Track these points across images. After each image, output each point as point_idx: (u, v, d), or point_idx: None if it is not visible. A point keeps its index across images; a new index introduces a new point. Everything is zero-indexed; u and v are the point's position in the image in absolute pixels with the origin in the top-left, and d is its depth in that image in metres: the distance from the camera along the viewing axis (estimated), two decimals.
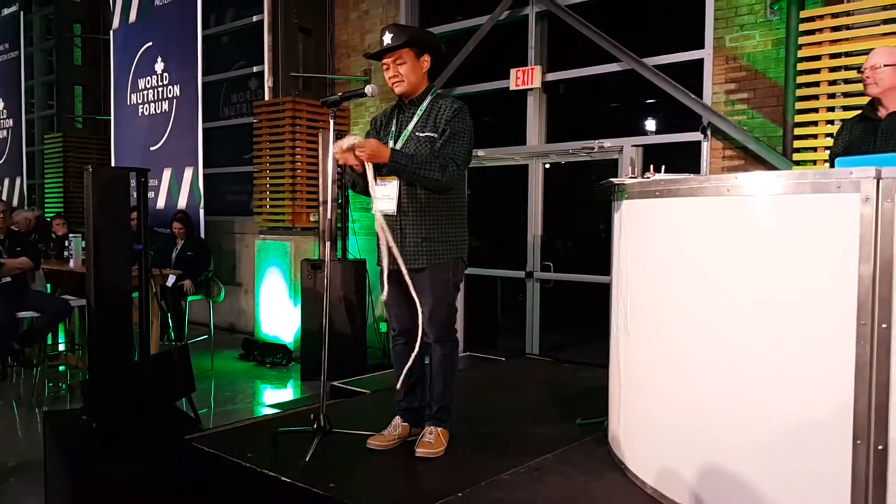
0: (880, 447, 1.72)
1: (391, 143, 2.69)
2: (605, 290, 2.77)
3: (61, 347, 6.03)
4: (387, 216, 2.62)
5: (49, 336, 5.58)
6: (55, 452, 3.11)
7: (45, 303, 5.30)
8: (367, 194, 2.68)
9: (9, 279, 5.10)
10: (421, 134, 2.61)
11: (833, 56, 4.02)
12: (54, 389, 5.32)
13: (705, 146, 4.67)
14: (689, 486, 2.09)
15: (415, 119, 2.65)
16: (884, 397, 1.71)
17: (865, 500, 1.74)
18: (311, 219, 6.69)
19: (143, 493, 2.81)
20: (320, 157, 6.23)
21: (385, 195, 2.62)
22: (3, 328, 5.00)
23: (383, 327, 6.17)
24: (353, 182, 2.75)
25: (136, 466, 2.84)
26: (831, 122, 4.06)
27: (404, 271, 2.53)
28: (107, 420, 3.19)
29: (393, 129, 2.72)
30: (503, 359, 4.95)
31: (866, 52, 3.89)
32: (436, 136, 2.59)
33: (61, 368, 5.71)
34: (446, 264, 2.64)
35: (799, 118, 4.15)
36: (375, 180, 2.58)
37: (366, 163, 2.54)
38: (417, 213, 2.60)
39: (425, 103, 2.66)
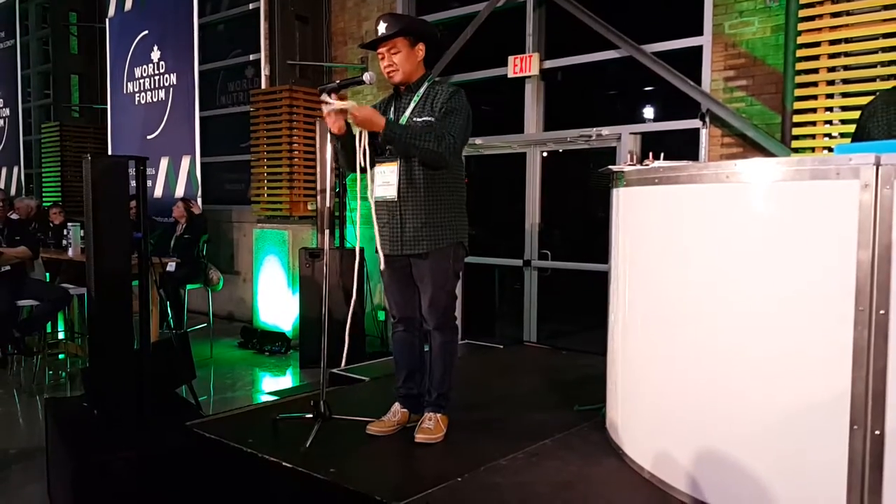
0: (877, 432, 1.73)
1: None
2: (603, 278, 2.78)
3: (61, 336, 6.04)
4: (386, 202, 2.62)
5: (48, 324, 5.59)
6: (57, 439, 3.13)
7: (45, 291, 5.30)
8: (352, 168, 2.62)
9: (8, 268, 5.10)
10: (418, 119, 2.60)
11: (833, 42, 4.01)
12: (54, 377, 5.34)
13: (704, 133, 4.67)
14: (686, 470, 2.11)
15: (412, 105, 2.64)
16: (881, 383, 1.72)
17: (862, 486, 1.75)
18: (309, 207, 6.69)
19: (144, 478, 2.82)
20: (318, 145, 6.22)
21: (384, 181, 2.62)
22: (2, 317, 5.01)
23: (381, 315, 6.18)
24: (335, 152, 2.68)
25: (137, 453, 2.85)
26: (830, 108, 4.05)
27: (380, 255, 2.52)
28: (108, 407, 3.20)
29: (390, 116, 2.71)
30: (501, 346, 4.96)
31: (866, 39, 3.90)
32: (433, 119, 2.58)
33: (61, 356, 5.73)
34: (447, 250, 2.63)
35: (798, 105, 4.15)
36: (368, 159, 2.55)
37: (358, 143, 2.51)
38: (417, 198, 2.59)
39: (422, 90, 2.65)
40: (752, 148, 4.46)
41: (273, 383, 5.34)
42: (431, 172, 2.60)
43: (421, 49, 2.65)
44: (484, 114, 6.03)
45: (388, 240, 2.64)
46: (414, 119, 2.61)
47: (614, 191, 2.61)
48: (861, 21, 3.91)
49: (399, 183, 2.59)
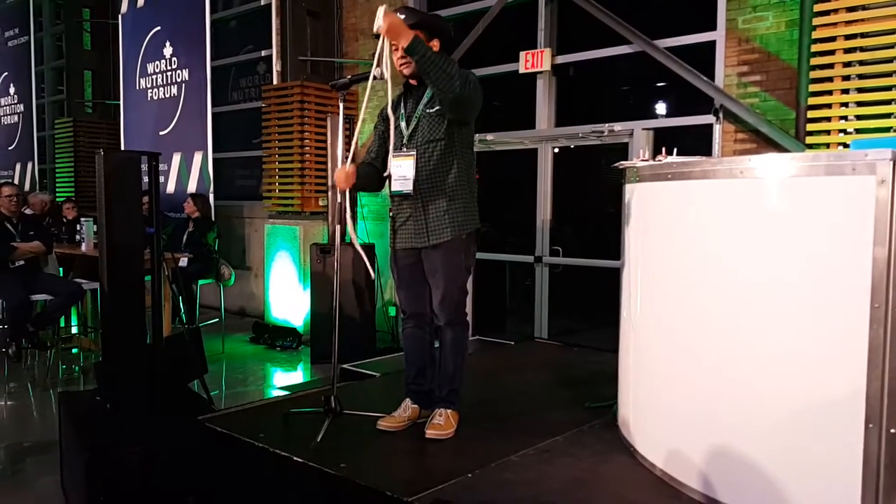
0: (893, 431, 1.71)
1: (402, 125, 2.69)
2: (614, 274, 2.77)
3: (74, 330, 6.09)
4: (406, 197, 2.62)
5: (62, 319, 5.64)
6: (70, 433, 3.15)
7: (58, 286, 5.35)
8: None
9: (22, 263, 5.15)
10: (431, 110, 2.61)
11: (848, 37, 3.96)
12: (68, 371, 5.39)
13: (717, 129, 4.63)
14: (699, 468, 2.10)
15: (425, 98, 2.64)
16: None
17: (877, 484, 1.73)
18: (320, 203, 6.70)
19: (156, 472, 2.85)
20: (329, 140, 6.22)
21: (401, 175, 2.62)
22: (17, 311, 5.06)
23: (392, 311, 6.19)
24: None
25: (149, 446, 2.87)
26: (845, 104, 4.01)
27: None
28: (120, 401, 3.23)
29: (402, 111, 2.71)
30: (512, 343, 4.95)
31: (883, 33, 3.85)
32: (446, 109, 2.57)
33: (74, 351, 5.77)
34: (461, 243, 2.63)
35: (812, 101, 4.10)
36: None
37: (380, 46, 2.48)
38: (436, 187, 2.60)
39: None
40: (765, 144, 4.42)
41: (284, 378, 5.36)
42: (447, 162, 2.60)
43: (435, 45, 2.65)
44: (495, 109, 6.02)
45: (413, 233, 2.64)
46: (427, 111, 2.62)
47: (626, 187, 2.59)
48: (877, 15, 3.86)
49: (416, 176, 2.59)
